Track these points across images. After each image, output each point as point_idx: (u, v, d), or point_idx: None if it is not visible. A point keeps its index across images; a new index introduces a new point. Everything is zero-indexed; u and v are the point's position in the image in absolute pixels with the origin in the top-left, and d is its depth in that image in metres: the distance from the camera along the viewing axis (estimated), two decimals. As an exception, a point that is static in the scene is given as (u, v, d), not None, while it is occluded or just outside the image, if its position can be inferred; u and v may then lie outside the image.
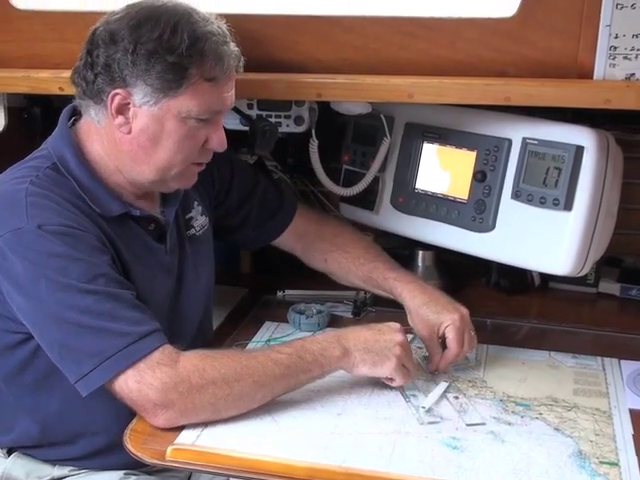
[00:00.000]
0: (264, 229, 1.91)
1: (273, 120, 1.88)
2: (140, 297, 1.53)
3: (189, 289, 1.69)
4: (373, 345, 1.53)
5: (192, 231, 1.73)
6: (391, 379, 1.56)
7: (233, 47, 1.51)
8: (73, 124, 1.60)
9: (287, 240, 1.93)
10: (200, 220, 1.76)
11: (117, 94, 1.47)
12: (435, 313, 1.69)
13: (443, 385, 1.60)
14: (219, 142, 1.55)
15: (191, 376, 1.40)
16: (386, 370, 1.53)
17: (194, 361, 1.42)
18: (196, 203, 1.76)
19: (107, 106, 1.49)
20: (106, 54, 1.46)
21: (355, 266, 1.87)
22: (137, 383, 1.39)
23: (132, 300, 1.45)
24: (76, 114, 1.60)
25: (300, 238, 1.93)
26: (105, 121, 1.52)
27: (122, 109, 1.48)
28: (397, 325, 1.58)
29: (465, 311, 1.69)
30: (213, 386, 1.41)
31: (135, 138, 1.50)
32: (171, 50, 1.43)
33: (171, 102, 1.47)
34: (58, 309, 1.41)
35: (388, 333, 1.55)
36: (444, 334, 1.67)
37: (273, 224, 1.91)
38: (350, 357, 1.52)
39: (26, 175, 1.51)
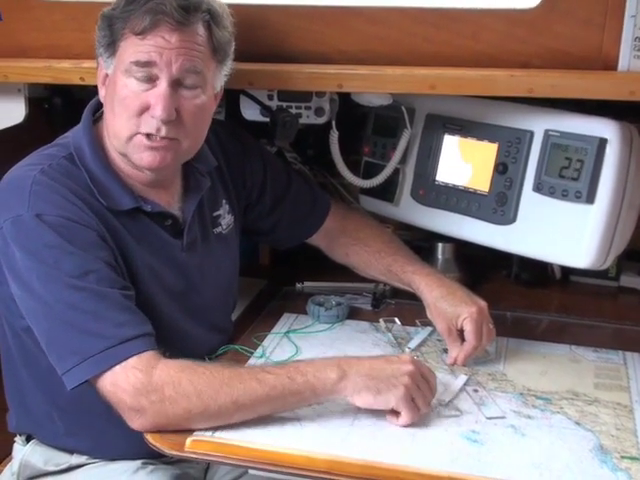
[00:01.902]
0: (297, 229, 1.92)
1: (293, 111, 1.87)
2: (150, 291, 1.54)
3: (208, 286, 1.68)
4: (379, 372, 1.42)
5: (219, 229, 1.73)
6: (395, 414, 1.43)
7: (174, 3, 1.45)
8: (101, 116, 1.60)
9: (314, 237, 1.93)
10: (227, 218, 1.76)
11: (99, 64, 1.53)
12: (453, 306, 1.69)
13: (463, 378, 1.60)
14: (158, 108, 1.46)
15: (165, 387, 1.38)
16: (392, 400, 1.40)
17: (171, 371, 1.40)
18: (224, 201, 1.76)
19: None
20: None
21: (375, 259, 1.87)
22: (112, 385, 1.40)
23: (121, 301, 1.44)
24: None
25: (326, 234, 1.93)
26: None
27: (104, 80, 1.54)
28: (408, 356, 1.49)
29: (483, 304, 1.68)
30: (186, 400, 1.38)
31: (106, 106, 1.54)
32: (112, 10, 1.50)
33: (115, 61, 1.50)
34: (47, 300, 1.42)
35: (397, 362, 1.44)
36: (462, 327, 1.66)
37: (306, 224, 1.92)
38: (349, 381, 1.40)
39: (39, 163, 1.52)
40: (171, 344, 1.56)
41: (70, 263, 1.42)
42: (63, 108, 2.06)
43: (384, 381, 1.41)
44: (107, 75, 1.53)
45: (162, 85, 1.47)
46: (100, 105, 1.60)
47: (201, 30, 1.49)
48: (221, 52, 1.54)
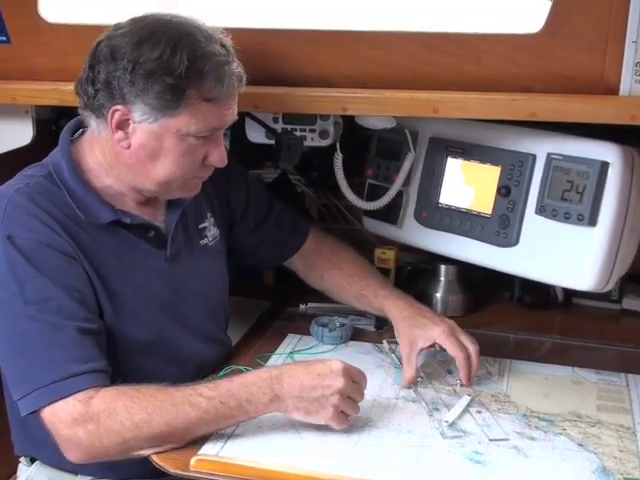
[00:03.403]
0: (279, 249, 1.94)
1: (298, 134, 1.89)
2: (136, 304, 1.56)
3: (196, 296, 1.70)
4: (309, 393, 1.43)
5: (205, 241, 1.75)
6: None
7: (235, 67, 1.51)
8: (81, 136, 1.62)
9: (294, 258, 1.96)
10: (213, 231, 1.78)
11: (117, 110, 1.47)
12: (421, 326, 1.70)
13: (466, 399, 1.60)
14: (219, 159, 1.55)
15: (100, 415, 1.39)
16: (321, 419, 1.44)
17: (107, 399, 1.41)
18: (209, 214, 1.78)
19: (107, 121, 1.49)
20: (106, 70, 1.46)
21: (348, 283, 1.89)
22: (51, 415, 1.41)
23: (75, 335, 1.44)
24: (83, 126, 1.62)
25: (304, 256, 1.95)
26: (105, 133, 1.53)
27: (122, 124, 1.49)
28: (340, 366, 1.46)
29: (451, 322, 1.70)
30: (121, 427, 1.39)
31: (134, 153, 1.51)
32: (170, 71, 1.43)
33: (170, 121, 1.47)
34: (3, 328, 1.45)
35: (328, 378, 1.44)
36: (440, 346, 1.67)
37: (288, 244, 1.94)
38: (282, 404, 1.43)
39: (17, 183, 1.54)
40: (164, 354, 1.58)
41: (33, 288, 1.44)
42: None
43: (313, 403, 1.43)
44: (128, 120, 1.48)
45: (222, 138, 1.55)
46: (77, 127, 1.62)
47: None
48: None
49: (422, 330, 1.69)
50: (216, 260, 1.79)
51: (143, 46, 1.44)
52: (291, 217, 1.95)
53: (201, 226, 1.75)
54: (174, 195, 1.61)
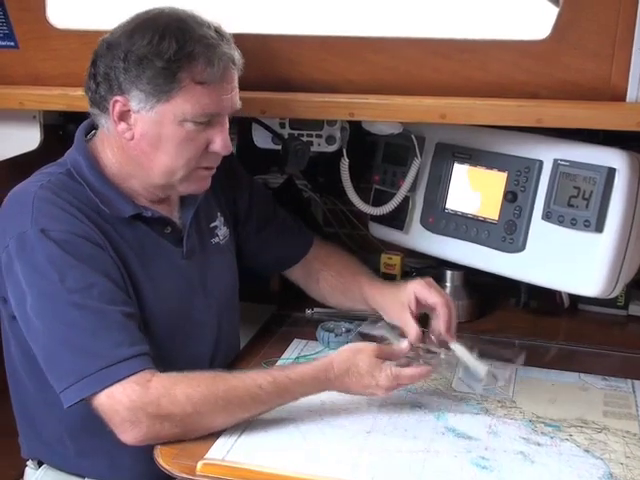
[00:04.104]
0: (282, 254, 1.94)
1: (305, 139, 1.90)
2: (151, 299, 1.57)
3: (208, 296, 1.70)
4: (360, 391, 1.54)
5: (216, 239, 1.76)
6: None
7: (227, 49, 1.50)
8: (93, 137, 1.64)
9: (297, 266, 1.96)
10: (223, 230, 1.79)
11: (117, 101, 1.51)
12: (400, 290, 1.74)
13: (459, 348, 1.64)
14: (222, 145, 1.55)
15: (161, 399, 1.40)
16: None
17: (166, 384, 1.42)
18: (219, 213, 1.79)
19: (110, 113, 1.52)
20: (104, 63, 1.50)
21: (337, 280, 1.91)
22: (109, 398, 1.41)
23: (119, 319, 1.45)
24: (95, 128, 1.64)
25: (304, 265, 1.95)
26: (112, 128, 1.55)
27: (123, 116, 1.52)
28: (385, 381, 1.52)
29: (428, 278, 1.73)
30: (182, 413, 1.41)
31: (137, 144, 1.53)
32: (160, 55, 1.46)
33: (166, 107, 1.49)
34: (45, 318, 1.45)
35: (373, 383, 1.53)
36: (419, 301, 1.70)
37: (291, 251, 1.94)
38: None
39: (38, 180, 1.55)
40: (177, 351, 1.59)
41: (73, 277, 1.45)
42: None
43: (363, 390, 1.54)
44: (130, 111, 1.51)
45: (225, 125, 1.54)
46: (91, 127, 1.64)
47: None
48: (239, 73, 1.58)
49: (402, 292, 1.72)
50: (227, 259, 1.80)
51: (135, 35, 1.48)
52: (296, 226, 1.96)
53: (212, 225, 1.76)
54: (183, 189, 1.60)
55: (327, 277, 1.93)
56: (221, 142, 1.54)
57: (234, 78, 1.54)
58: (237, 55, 1.54)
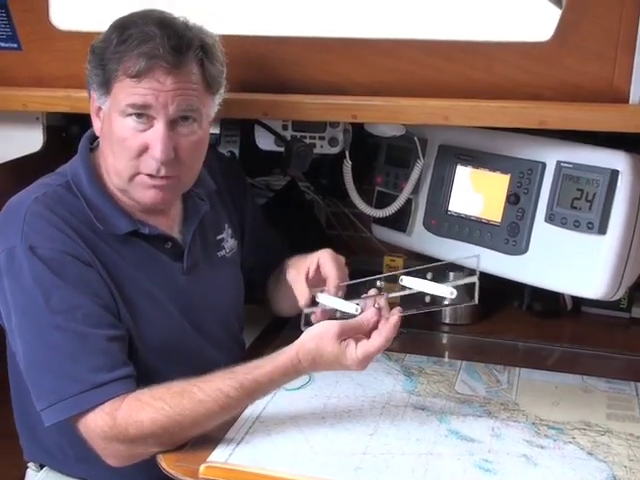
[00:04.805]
0: (267, 272, 1.91)
1: (307, 141, 1.90)
2: (150, 315, 1.56)
3: (210, 309, 1.69)
4: (328, 367, 1.49)
5: (222, 252, 1.75)
6: None
7: (162, 44, 1.44)
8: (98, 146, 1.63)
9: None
10: (230, 242, 1.77)
11: (91, 97, 1.54)
12: (309, 255, 1.70)
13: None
14: (155, 149, 1.48)
15: (128, 428, 1.41)
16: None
17: (132, 410, 1.41)
18: (227, 225, 1.78)
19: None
20: (87, 65, 1.54)
21: (273, 274, 1.88)
22: (85, 428, 1.43)
23: (101, 343, 1.45)
24: None
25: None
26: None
27: (97, 112, 1.55)
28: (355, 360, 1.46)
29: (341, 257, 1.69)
30: (151, 437, 1.42)
31: (101, 141, 1.56)
32: (103, 50, 1.49)
33: (109, 100, 1.50)
34: (28, 339, 1.46)
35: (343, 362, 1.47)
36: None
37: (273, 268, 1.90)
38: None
39: (35, 191, 1.54)
40: (178, 362, 1.58)
41: (59, 298, 1.44)
42: (80, 137, 2.07)
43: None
44: (100, 108, 1.54)
45: (159, 127, 1.48)
46: (96, 135, 1.63)
47: (195, 68, 1.50)
48: (215, 84, 1.55)
49: (308, 257, 1.69)
50: (233, 271, 1.79)
51: (103, 34, 1.51)
52: (280, 242, 1.94)
53: (219, 237, 1.75)
54: (138, 197, 1.55)
55: (270, 277, 1.90)
56: (153, 148, 1.49)
57: (171, 78, 1.46)
58: (171, 52, 1.45)
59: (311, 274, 1.67)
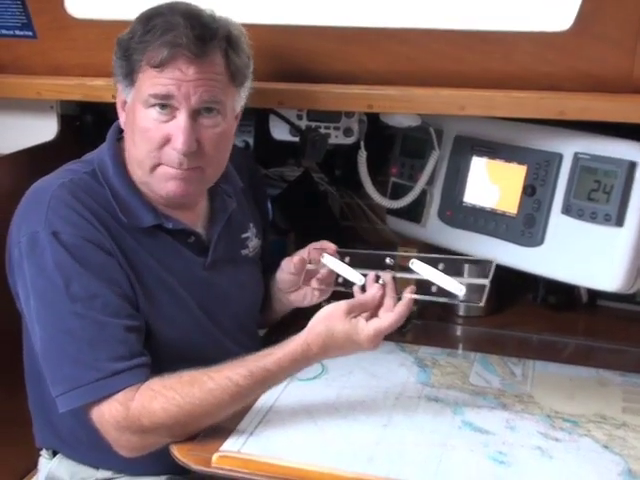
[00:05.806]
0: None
1: (322, 131, 1.89)
2: (168, 308, 1.55)
3: (229, 305, 1.69)
4: (340, 352, 1.48)
5: (246, 251, 1.75)
6: None
7: (186, 34, 1.43)
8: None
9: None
10: (254, 241, 1.77)
11: (117, 90, 1.54)
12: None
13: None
14: (177, 141, 1.47)
15: (141, 418, 1.41)
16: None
17: (145, 401, 1.41)
18: (252, 224, 1.77)
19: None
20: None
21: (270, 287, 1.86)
22: (98, 417, 1.44)
23: (119, 333, 1.45)
24: None
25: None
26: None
27: (123, 105, 1.55)
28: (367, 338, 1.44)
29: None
30: (163, 427, 1.42)
31: (125, 133, 1.56)
32: (128, 41, 1.49)
33: (133, 91, 1.50)
34: (46, 324, 1.45)
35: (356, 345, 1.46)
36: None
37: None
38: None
39: (61, 177, 1.54)
40: (194, 357, 1.57)
41: (78, 285, 1.44)
42: (94, 126, 2.08)
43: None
44: (125, 101, 1.54)
45: (182, 117, 1.47)
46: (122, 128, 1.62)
47: (218, 59, 1.49)
48: (239, 77, 1.54)
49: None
50: (254, 271, 1.79)
51: (129, 27, 1.51)
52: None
53: (244, 236, 1.75)
54: (156, 190, 1.54)
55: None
56: (177, 137, 1.47)
57: (194, 68, 1.45)
58: (194, 42, 1.44)
59: (306, 255, 1.67)
